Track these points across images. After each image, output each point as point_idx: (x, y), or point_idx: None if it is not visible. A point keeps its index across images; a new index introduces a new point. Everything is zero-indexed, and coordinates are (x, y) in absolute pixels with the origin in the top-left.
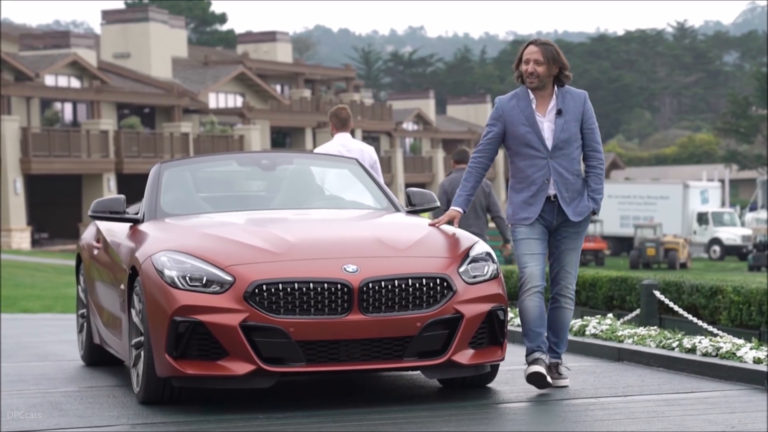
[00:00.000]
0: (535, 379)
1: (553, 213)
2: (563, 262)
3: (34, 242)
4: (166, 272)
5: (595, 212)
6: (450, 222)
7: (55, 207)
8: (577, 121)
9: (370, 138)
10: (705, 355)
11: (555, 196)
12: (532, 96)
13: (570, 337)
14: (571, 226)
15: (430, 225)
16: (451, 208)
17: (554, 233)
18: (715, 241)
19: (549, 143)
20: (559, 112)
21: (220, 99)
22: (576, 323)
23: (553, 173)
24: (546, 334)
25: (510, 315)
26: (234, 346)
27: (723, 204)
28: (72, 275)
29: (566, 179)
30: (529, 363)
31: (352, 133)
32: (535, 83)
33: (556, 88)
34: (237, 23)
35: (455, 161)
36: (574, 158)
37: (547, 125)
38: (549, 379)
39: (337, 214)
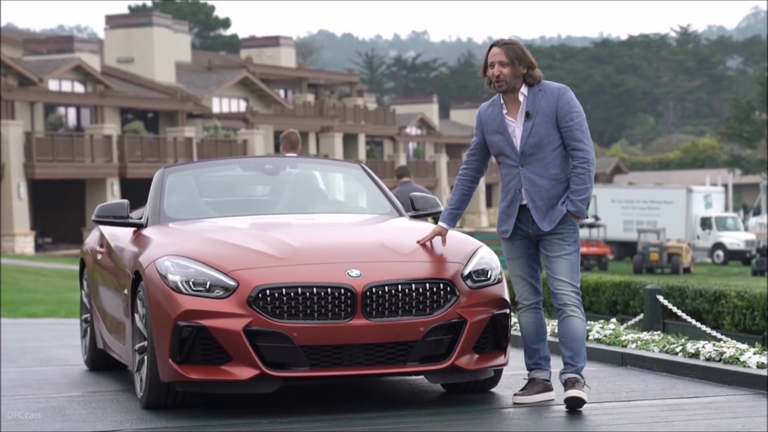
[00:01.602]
0: (519, 403)
1: (528, 222)
2: (553, 271)
3: (38, 247)
4: (170, 277)
5: (576, 215)
6: (435, 236)
7: (59, 212)
8: (551, 120)
9: (373, 142)
10: (708, 359)
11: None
12: (502, 101)
13: None
14: (551, 234)
15: (418, 242)
16: (438, 224)
17: (539, 242)
18: (719, 245)
19: (519, 149)
20: (527, 115)
21: (223, 104)
22: None
23: (524, 182)
24: (543, 349)
25: (513, 320)
26: (237, 350)
27: (726, 209)
28: (75, 280)
29: (539, 187)
30: (526, 383)
31: (355, 139)
32: (503, 86)
33: (526, 88)
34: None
35: (397, 176)
36: (550, 162)
37: (518, 131)
38: (529, 398)
39: (340, 219)
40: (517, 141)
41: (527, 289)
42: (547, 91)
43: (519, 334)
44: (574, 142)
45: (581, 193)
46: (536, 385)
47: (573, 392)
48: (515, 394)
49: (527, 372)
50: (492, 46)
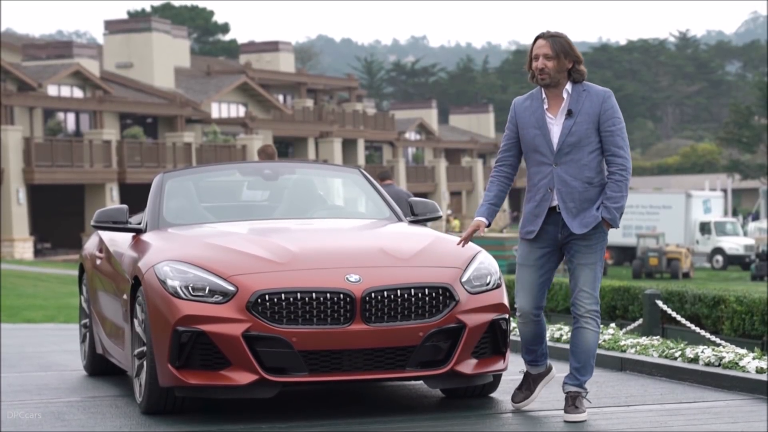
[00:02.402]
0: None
1: (558, 226)
2: (577, 279)
3: (37, 252)
4: (169, 282)
5: (609, 223)
6: (475, 232)
7: (58, 217)
8: (593, 122)
9: (372, 148)
10: (707, 364)
11: (559, 207)
12: (543, 95)
13: None
14: (580, 240)
15: (458, 243)
16: (475, 218)
17: (566, 248)
18: (718, 250)
19: (555, 147)
20: (569, 113)
21: (222, 109)
22: None
23: (556, 181)
24: (544, 351)
25: (512, 325)
26: (237, 355)
27: (725, 213)
28: (75, 285)
29: (572, 188)
30: (522, 379)
31: (354, 145)
32: (546, 80)
33: (570, 85)
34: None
35: (380, 179)
36: (585, 164)
37: (556, 128)
38: (531, 397)
39: (339, 224)
40: (555, 138)
41: (529, 302)
42: (591, 92)
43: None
44: (614, 148)
45: (617, 200)
46: (532, 381)
47: (572, 416)
48: (515, 401)
49: (524, 365)
50: (537, 38)
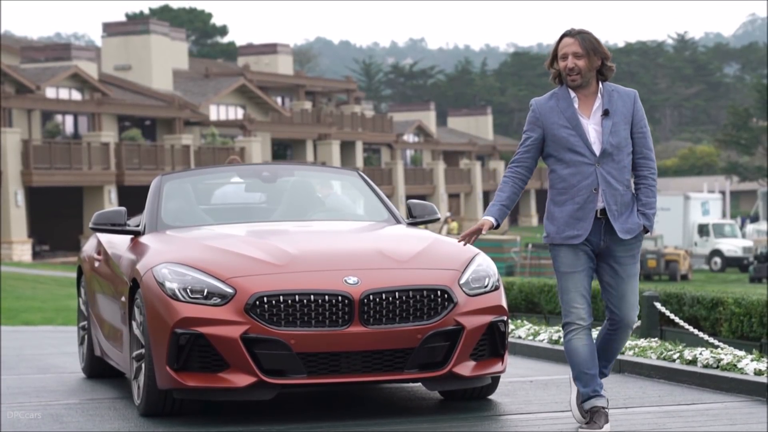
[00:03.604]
0: None
1: (600, 232)
2: (623, 291)
3: (35, 254)
4: (167, 284)
5: (647, 229)
6: (479, 231)
7: (56, 219)
8: (627, 123)
9: (370, 150)
10: (706, 366)
11: (603, 211)
12: (573, 95)
13: None
14: (621, 247)
15: (459, 240)
16: (484, 217)
17: (603, 256)
18: (716, 252)
19: (596, 148)
20: (605, 113)
21: (221, 111)
22: None
23: (601, 182)
24: (597, 373)
25: (511, 327)
26: (235, 358)
27: (724, 216)
28: (73, 287)
29: (615, 190)
30: (590, 415)
31: (352, 147)
32: (578, 80)
33: (600, 85)
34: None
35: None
36: (624, 166)
37: (592, 128)
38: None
39: (338, 226)
40: (593, 138)
41: (585, 309)
42: (621, 93)
43: (515, 341)
44: (645, 150)
45: (652, 206)
46: (601, 416)
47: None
48: (581, 427)
49: (583, 402)
50: (563, 36)
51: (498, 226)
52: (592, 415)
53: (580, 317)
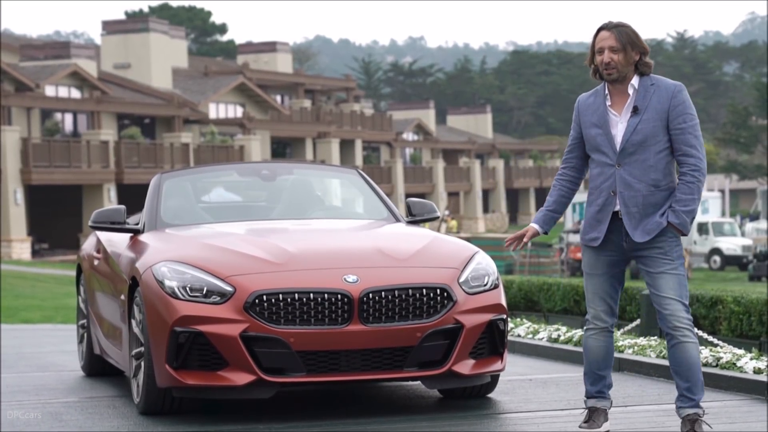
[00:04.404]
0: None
1: (621, 233)
2: (658, 288)
3: (35, 253)
4: (167, 282)
5: (678, 228)
6: (522, 237)
7: (56, 217)
8: (661, 119)
9: (370, 148)
10: (705, 365)
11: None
12: (606, 91)
13: (570, 347)
14: (651, 248)
15: (507, 243)
16: (530, 224)
17: (637, 257)
18: (716, 251)
19: (619, 147)
20: (634, 110)
21: (220, 109)
22: (576, 334)
23: (618, 184)
24: (609, 377)
25: (510, 325)
26: (234, 356)
27: (723, 214)
28: (72, 286)
29: (635, 191)
30: (589, 413)
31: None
32: (614, 74)
33: (637, 80)
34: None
35: None
36: (652, 165)
37: (620, 126)
38: (597, 430)
39: (337, 225)
40: (618, 137)
41: (603, 310)
42: (660, 87)
43: (515, 339)
44: (685, 147)
45: (687, 203)
46: (600, 415)
47: None
48: (580, 426)
49: (585, 399)
50: (600, 29)
51: (546, 232)
52: (591, 414)
53: (598, 317)
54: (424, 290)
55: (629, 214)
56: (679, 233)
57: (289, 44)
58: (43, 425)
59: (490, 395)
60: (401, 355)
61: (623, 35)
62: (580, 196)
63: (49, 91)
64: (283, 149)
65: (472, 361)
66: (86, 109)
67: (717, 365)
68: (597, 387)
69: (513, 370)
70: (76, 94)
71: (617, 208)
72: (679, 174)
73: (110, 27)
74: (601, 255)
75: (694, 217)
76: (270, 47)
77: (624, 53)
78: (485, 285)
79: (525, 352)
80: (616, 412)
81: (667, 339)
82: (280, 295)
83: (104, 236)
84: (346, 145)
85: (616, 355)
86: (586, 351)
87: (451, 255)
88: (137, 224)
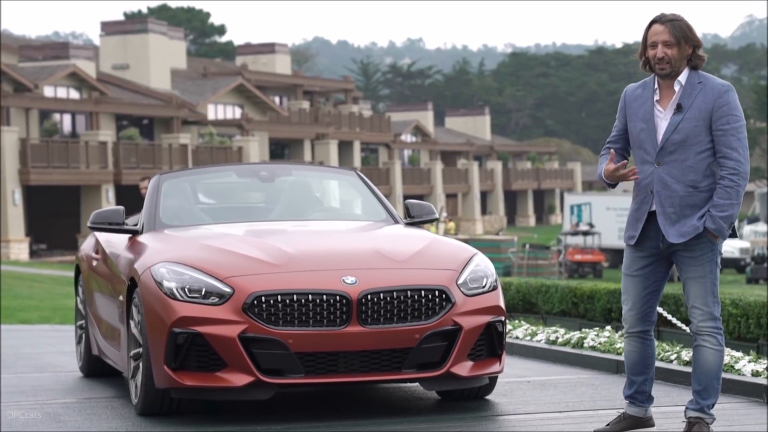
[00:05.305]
0: None
1: (658, 233)
2: (685, 293)
3: (33, 253)
4: (165, 283)
5: (713, 233)
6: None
7: (54, 218)
8: (704, 119)
9: (368, 150)
10: None
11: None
12: (656, 85)
13: (567, 349)
14: (683, 251)
15: (611, 171)
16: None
17: (673, 259)
18: None
19: (659, 144)
20: (678, 107)
21: (218, 110)
22: (574, 335)
23: (656, 183)
24: (643, 383)
25: (509, 327)
26: (233, 357)
27: None
28: (70, 286)
29: (671, 191)
30: (617, 417)
31: (350, 147)
32: (667, 69)
33: (686, 75)
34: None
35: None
36: (691, 166)
37: (663, 123)
38: None
39: (335, 226)
40: (660, 135)
41: (633, 315)
42: (707, 86)
43: (513, 341)
44: (726, 149)
45: (724, 209)
46: (622, 421)
47: None
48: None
49: (625, 407)
50: (653, 22)
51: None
52: (618, 417)
53: (627, 322)
54: (423, 292)
55: (665, 215)
56: (714, 239)
57: (288, 45)
58: (42, 426)
59: (488, 397)
60: (400, 356)
61: (677, 29)
62: (580, 198)
63: (48, 91)
64: (281, 150)
65: (470, 363)
66: (85, 109)
67: None
68: (628, 391)
69: (511, 371)
70: (74, 94)
71: (653, 207)
72: (718, 177)
73: (109, 28)
74: (637, 254)
75: (732, 223)
76: (269, 48)
77: (678, 48)
78: (484, 287)
79: (523, 354)
80: (614, 414)
81: (693, 340)
82: (279, 297)
83: (103, 237)
84: (345, 147)
85: (615, 357)
86: (624, 355)
87: (449, 257)
88: (136, 225)
